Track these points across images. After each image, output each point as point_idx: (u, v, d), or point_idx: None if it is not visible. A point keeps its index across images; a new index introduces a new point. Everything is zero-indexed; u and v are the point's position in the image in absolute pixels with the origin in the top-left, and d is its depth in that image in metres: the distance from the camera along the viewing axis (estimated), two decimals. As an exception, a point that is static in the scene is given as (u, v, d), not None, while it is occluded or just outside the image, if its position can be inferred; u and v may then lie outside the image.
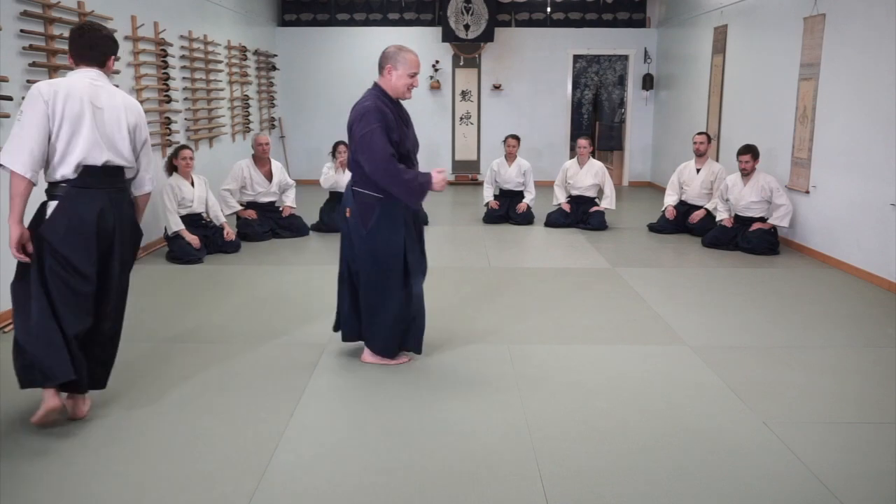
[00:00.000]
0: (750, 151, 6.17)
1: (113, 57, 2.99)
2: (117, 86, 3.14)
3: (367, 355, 3.58)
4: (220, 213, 6.19)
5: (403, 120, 3.43)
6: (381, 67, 3.37)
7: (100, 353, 2.95)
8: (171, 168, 5.89)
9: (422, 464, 2.61)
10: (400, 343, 3.57)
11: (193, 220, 5.90)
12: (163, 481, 2.48)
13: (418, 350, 3.61)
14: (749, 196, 6.19)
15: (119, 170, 2.91)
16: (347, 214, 3.45)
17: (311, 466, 2.59)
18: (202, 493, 2.41)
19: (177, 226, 5.69)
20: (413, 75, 3.36)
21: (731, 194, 6.33)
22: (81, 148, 2.76)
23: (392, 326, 3.49)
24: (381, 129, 3.24)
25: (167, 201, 5.71)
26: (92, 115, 2.79)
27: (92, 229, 2.78)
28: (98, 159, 2.79)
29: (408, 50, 3.38)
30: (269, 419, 2.95)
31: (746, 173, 6.21)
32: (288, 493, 2.42)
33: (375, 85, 3.41)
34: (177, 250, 5.66)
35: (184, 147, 5.93)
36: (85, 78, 2.86)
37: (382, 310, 3.47)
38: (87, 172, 2.78)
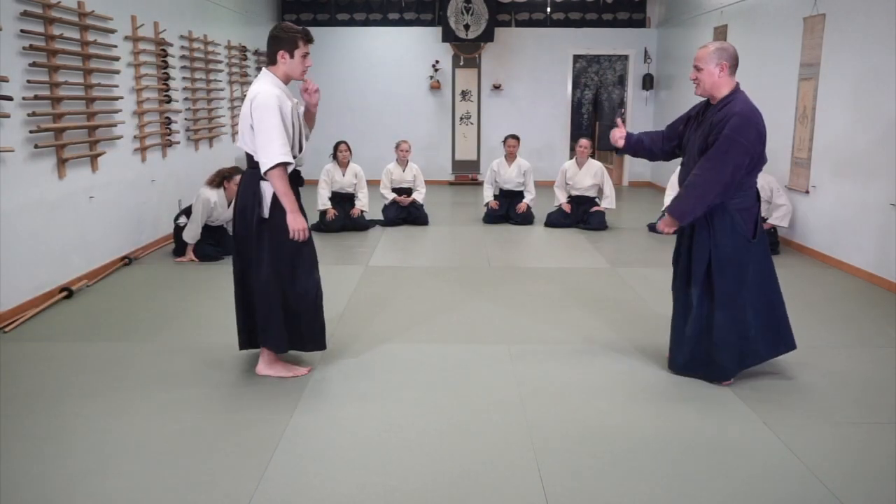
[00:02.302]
0: (750, 151, 6.16)
1: (280, 52, 3.21)
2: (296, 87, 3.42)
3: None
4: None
5: (698, 122, 3.25)
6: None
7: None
8: (220, 184, 5.77)
9: (421, 464, 2.61)
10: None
11: (212, 230, 5.88)
12: (163, 481, 2.48)
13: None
14: (749, 196, 6.18)
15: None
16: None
17: (311, 466, 2.59)
18: (202, 493, 2.41)
19: (192, 240, 5.68)
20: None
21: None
22: None
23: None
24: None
25: (198, 214, 5.61)
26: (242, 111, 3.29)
27: None
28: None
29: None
30: (269, 419, 2.95)
31: (746, 173, 6.20)
32: (288, 493, 2.42)
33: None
34: (195, 251, 5.71)
35: (240, 172, 5.85)
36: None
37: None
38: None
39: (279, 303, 3.27)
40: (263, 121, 3.10)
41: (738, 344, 3.23)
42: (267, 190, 3.20)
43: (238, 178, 5.70)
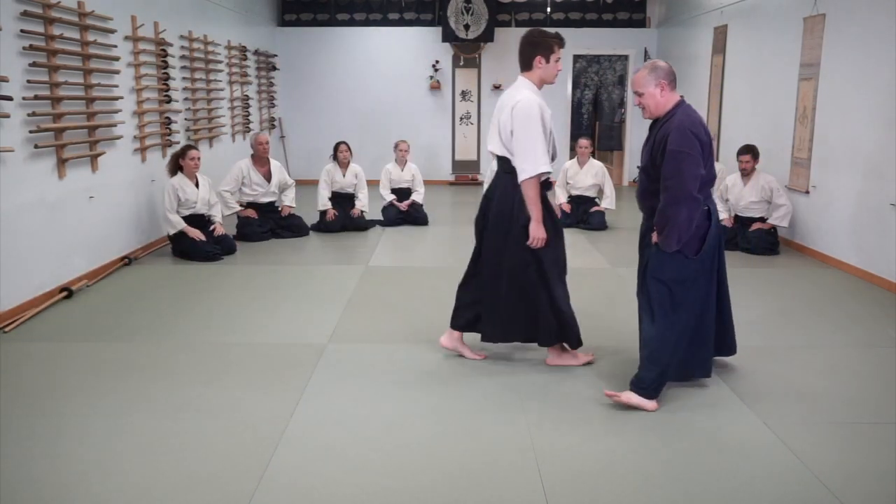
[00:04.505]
0: (750, 151, 6.17)
1: (538, 57, 3.31)
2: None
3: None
4: (220, 213, 6.20)
5: (646, 139, 3.14)
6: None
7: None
8: (176, 168, 5.87)
9: (422, 464, 2.62)
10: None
11: (197, 221, 5.89)
12: (163, 481, 2.48)
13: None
14: (749, 196, 6.18)
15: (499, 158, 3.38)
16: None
17: (311, 466, 2.59)
18: (202, 493, 2.41)
19: (178, 224, 5.70)
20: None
21: (731, 194, 6.33)
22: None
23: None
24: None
25: (166, 201, 5.72)
26: (495, 115, 3.39)
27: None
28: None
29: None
30: (269, 419, 2.95)
31: (746, 173, 6.21)
32: (288, 493, 2.42)
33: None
34: (195, 251, 5.71)
35: (190, 147, 5.92)
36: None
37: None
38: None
39: (534, 302, 3.34)
40: (525, 128, 3.15)
41: (663, 366, 3.04)
42: None
43: (192, 152, 5.84)
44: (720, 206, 6.49)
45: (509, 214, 3.31)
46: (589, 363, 3.55)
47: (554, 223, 3.38)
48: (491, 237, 3.41)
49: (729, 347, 3.40)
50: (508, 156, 3.30)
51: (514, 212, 3.30)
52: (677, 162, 2.87)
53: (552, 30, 3.32)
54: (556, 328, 3.42)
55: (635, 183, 10.79)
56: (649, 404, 3.03)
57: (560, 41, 3.32)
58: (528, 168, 3.17)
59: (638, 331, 3.28)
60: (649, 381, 3.04)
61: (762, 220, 6.17)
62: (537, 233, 3.25)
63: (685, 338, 3.07)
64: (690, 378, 3.26)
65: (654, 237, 3.03)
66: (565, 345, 3.54)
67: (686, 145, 2.87)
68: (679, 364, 3.12)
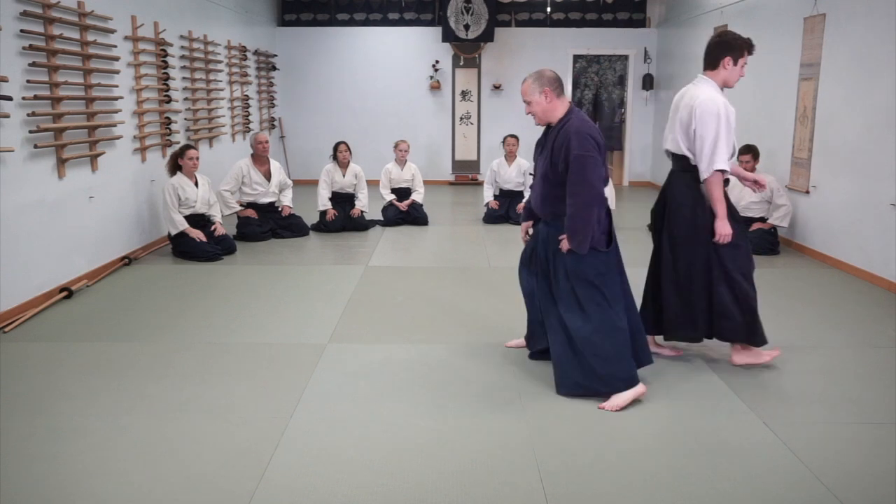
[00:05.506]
0: (750, 151, 6.17)
1: (726, 58, 3.29)
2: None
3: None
4: (219, 213, 6.22)
5: (542, 147, 3.25)
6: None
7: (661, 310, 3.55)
8: (175, 167, 5.89)
9: (422, 463, 2.62)
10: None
11: (198, 221, 5.90)
12: (163, 481, 2.48)
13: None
14: (749, 196, 6.18)
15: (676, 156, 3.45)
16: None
17: (311, 466, 2.59)
18: (202, 493, 2.41)
19: (181, 224, 5.71)
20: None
21: (732, 194, 6.29)
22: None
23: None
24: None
25: (168, 200, 5.72)
26: (672, 114, 3.43)
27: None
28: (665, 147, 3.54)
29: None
30: (269, 419, 2.95)
31: (746, 173, 6.21)
32: (288, 493, 2.42)
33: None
34: (196, 251, 5.70)
35: (189, 147, 5.94)
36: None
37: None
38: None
39: (716, 299, 3.37)
40: (708, 127, 3.18)
41: (622, 350, 3.09)
42: None
43: (191, 152, 5.84)
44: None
45: (689, 213, 3.35)
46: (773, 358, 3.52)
47: (735, 219, 3.38)
48: (670, 236, 3.46)
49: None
50: (687, 154, 3.33)
51: (693, 210, 3.34)
52: (583, 166, 2.98)
53: (744, 36, 3.32)
54: (742, 325, 3.40)
55: (636, 183, 10.82)
56: (638, 390, 3.09)
57: (751, 47, 3.33)
58: (709, 166, 3.21)
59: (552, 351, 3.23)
60: (619, 378, 3.07)
61: (762, 220, 6.17)
62: (723, 229, 3.28)
63: (624, 329, 3.11)
64: (639, 365, 3.25)
65: (564, 245, 3.09)
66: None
67: (587, 148, 2.99)
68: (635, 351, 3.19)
